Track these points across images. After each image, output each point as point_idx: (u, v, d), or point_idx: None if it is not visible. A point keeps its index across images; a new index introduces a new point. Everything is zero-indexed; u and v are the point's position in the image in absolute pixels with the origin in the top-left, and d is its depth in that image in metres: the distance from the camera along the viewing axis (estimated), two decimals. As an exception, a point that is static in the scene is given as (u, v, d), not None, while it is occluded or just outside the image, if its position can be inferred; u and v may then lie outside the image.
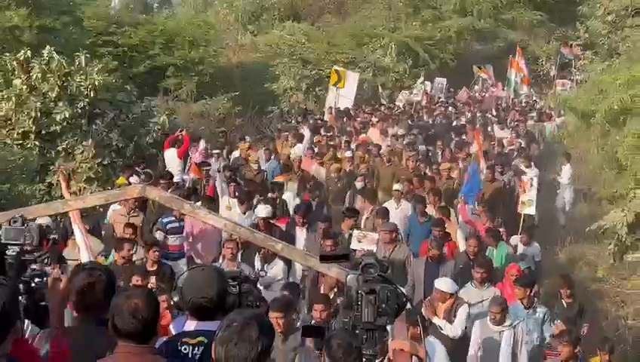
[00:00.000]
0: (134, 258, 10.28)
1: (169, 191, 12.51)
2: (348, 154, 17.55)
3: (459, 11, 41.10)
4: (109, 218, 12.55)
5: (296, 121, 24.81)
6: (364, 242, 10.94)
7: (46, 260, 4.94)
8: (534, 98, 33.71)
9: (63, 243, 10.09)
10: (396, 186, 14.15)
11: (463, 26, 39.68)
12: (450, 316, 9.21)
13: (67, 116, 16.57)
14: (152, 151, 18.45)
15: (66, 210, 7.26)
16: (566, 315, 9.42)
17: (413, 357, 5.53)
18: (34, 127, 16.37)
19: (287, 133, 21.01)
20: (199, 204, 10.66)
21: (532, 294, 9.64)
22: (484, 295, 9.80)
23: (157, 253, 10.14)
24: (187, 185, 15.24)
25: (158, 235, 11.67)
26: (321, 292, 9.46)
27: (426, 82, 33.26)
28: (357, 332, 3.94)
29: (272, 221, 12.02)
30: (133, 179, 13.97)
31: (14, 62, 16.99)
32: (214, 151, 17.77)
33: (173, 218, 11.92)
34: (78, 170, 16.31)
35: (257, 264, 10.62)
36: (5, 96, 16.49)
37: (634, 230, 10.99)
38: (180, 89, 26.51)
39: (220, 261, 10.57)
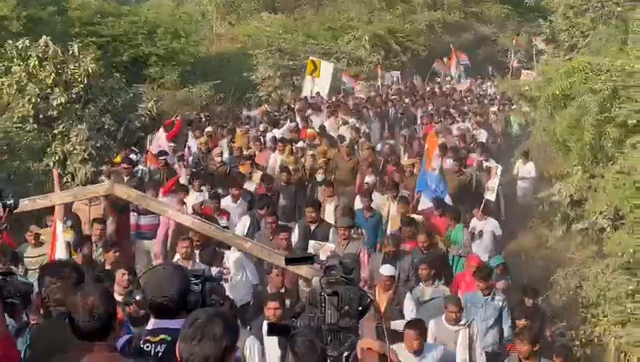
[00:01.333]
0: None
1: (127, 178, 13.69)
2: (300, 145, 17.66)
3: (429, 5, 42.57)
4: (73, 207, 11.88)
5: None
6: (321, 253, 10.21)
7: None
8: (493, 90, 35.12)
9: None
10: (367, 179, 14.59)
11: (434, 19, 41.16)
12: (391, 306, 9.33)
13: (63, 101, 17.89)
14: (141, 135, 19.72)
15: (34, 207, 7.34)
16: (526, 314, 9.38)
17: (381, 355, 5.57)
18: (32, 112, 17.66)
19: (247, 126, 21.18)
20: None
21: (490, 285, 9.67)
22: (434, 293, 9.86)
23: (117, 253, 9.80)
24: (140, 175, 14.90)
25: (132, 216, 11.96)
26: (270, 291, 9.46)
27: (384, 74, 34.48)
28: (321, 332, 4.05)
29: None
30: (133, 156, 15.30)
31: (13, 51, 18.25)
32: (170, 144, 16.92)
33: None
34: (73, 152, 17.60)
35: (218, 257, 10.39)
36: (6, 83, 17.72)
37: (576, 203, 12.47)
38: (162, 78, 27.70)
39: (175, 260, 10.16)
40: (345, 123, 21.28)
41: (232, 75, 29.70)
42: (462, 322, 8.84)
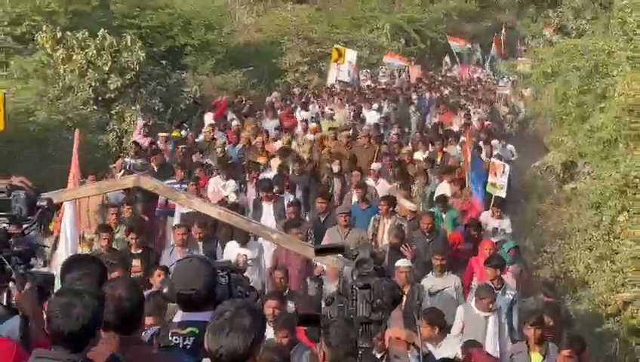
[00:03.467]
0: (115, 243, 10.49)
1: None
2: (309, 137, 17.57)
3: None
4: None
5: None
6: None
7: (35, 231, 4.58)
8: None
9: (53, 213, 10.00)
10: (374, 166, 14.47)
11: (451, 8, 43.20)
12: (413, 301, 9.23)
13: (119, 86, 20.38)
14: (185, 116, 22.09)
15: (59, 200, 7.12)
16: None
17: (410, 345, 5.57)
18: (93, 95, 20.08)
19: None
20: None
21: (502, 275, 9.57)
22: (445, 283, 9.84)
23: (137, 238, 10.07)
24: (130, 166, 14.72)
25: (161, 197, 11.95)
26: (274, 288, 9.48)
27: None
28: (352, 323, 3.99)
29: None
30: (184, 132, 17.64)
31: (73, 41, 20.66)
32: (161, 135, 17.31)
33: (173, 180, 12.99)
34: (128, 130, 20.01)
35: (219, 251, 10.63)
36: (69, 69, 20.16)
37: (567, 167, 14.60)
38: (197, 66, 30.01)
39: (170, 247, 10.51)
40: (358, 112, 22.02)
41: (262, 63, 31.90)
42: (492, 309, 8.83)
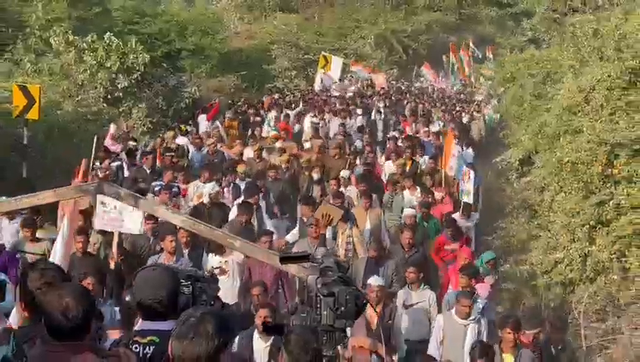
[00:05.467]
0: (98, 246, 10.47)
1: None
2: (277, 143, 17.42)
3: (428, 7, 46.92)
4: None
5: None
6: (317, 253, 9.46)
7: None
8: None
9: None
10: (343, 173, 14.50)
11: (432, 20, 45.54)
12: (382, 324, 9.04)
13: (126, 85, 22.41)
14: (185, 113, 24.13)
15: (19, 206, 7.05)
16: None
17: (373, 354, 5.63)
18: (102, 93, 22.12)
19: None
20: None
21: (474, 283, 9.59)
22: (420, 297, 9.77)
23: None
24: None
25: (149, 197, 12.04)
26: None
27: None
28: (316, 331, 3.93)
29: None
30: (190, 126, 19.69)
31: (84, 44, 22.69)
32: (132, 144, 17.23)
33: (161, 182, 13.38)
34: (134, 126, 22.04)
35: (207, 258, 10.52)
36: (81, 69, 22.18)
37: (523, 162, 16.63)
38: (193, 70, 32.05)
39: (158, 256, 10.24)
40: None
41: (253, 68, 34.01)
42: (472, 317, 8.84)
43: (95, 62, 22.33)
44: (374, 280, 9.18)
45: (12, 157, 15.96)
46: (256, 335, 7.59)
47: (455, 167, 14.75)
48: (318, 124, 21.08)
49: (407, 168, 15.59)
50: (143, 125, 22.05)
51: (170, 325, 3.82)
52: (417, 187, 13.85)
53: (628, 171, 10.84)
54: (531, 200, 13.88)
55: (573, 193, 11.57)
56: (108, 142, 16.89)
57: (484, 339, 8.58)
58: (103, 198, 8.57)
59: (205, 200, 12.51)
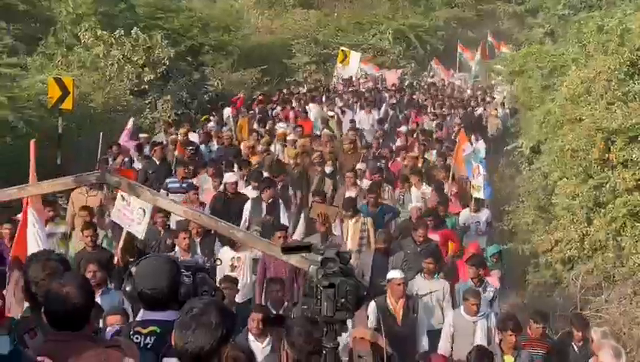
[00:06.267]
0: (101, 241, 10.43)
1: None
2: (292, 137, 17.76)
3: (446, 2, 47.58)
4: (71, 196, 12.22)
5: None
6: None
7: None
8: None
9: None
10: (359, 166, 14.84)
11: (450, 16, 46.20)
12: (408, 316, 9.16)
13: (151, 78, 23.38)
14: (208, 107, 25.07)
15: (21, 195, 7.09)
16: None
17: (373, 344, 5.59)
18: (129, 86, 23.09)
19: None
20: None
21: (482, 273, 9.81)
22: (433, 286, 9.79)
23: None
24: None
25: (162, 194, 11.77)
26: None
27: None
28: (316, 323, 3.98)
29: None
30: (213, 118, 20.55)
31: (111, 39, 23.66)
32: (142, 136, 17.89)
33: (175, 178, 13.61)
34: (160, 118, 22.99)
35: (217, 250, 10.56)
36: (108, 63, 23.16)
37: (534, 149, 17.36)
38: (215, 65, 32.98)
39: (173, 253, 10.10)
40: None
41: (274, 62, 34.91)
42: (480, 313, 8.95)
43: (122, 56, 23.31)
44: (396, 274, 9.14)
45: (47, 145, 16.90)
46: (250, 337, 7.58)
47: (465, 165, 15.00)
48: (334, 116, 21.44)
49: (420, 164, 15.90)
50: (168, 117, 22.94)
51: (171, 315, 3.91)
52: (423, 183, 14.07)
53: (624, 156, 11.60)
54: (537, 185, 14.67)
55: (573, 178, 12.37)
56: (124, 138, 17.08)
57: (495, 336, 8.80)
58: (123, 193, 9.06)
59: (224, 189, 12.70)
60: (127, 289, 4.37)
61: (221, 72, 30.07)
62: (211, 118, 21.08)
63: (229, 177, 12.94)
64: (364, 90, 29.98)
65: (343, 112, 23.11)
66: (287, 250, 4.58)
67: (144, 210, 9.48)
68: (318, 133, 19.21)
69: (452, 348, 9.03)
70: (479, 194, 13.58)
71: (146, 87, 23.37)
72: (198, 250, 10.40)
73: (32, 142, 8.25)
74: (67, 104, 16.54)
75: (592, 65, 13.55)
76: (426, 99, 29.19)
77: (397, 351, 7.10)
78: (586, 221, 12.03)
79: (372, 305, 8.86)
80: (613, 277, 11.40)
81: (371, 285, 9.76)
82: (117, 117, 20.47)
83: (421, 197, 13.63)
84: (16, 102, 16.61)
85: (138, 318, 4.29)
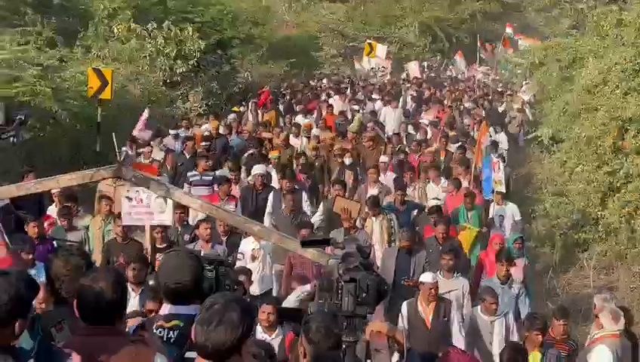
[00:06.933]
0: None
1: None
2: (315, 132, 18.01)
3: (472, -4, 47.97)
4: (99, 186, 12.08)
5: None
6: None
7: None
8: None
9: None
10: (382, 159, 14.86)
11: (475, 9, 46.54)
12: (438, 319, 8.79)
13: (183, 71, 24.16)
14: (237, 98, 25.84)
15: (39, 190, 7.06)
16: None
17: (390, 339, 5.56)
18: (162, 78, 23.91)
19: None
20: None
21: (509, 270, 9.67)
22: (453, 285, 9.56)
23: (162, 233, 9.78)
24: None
25: (185, 188, 12.41)
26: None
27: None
28: (335, 317, 3.94)
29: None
30: (243, 108, 21.29)
31: (144, 32, 24.47)
32: (172, 131, 18.11)
33: (195, 172, 13.54)
34: (192, 108, 23.81)
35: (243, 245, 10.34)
36: (142, 56, 23.99)
37: (553, 138, 17.94)
38: (244, 57, 33.76)
39: (194, 244, 10.12)
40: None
41: (302, 55, 35.66)
42: (498, 313, 8.84)
43: (154, 49, 24.12)
44: (428, 278, 8.80)
45: (87, 134, 17.75)
46: (259, 329, 7.49)
47: (482, 158, 14.79)
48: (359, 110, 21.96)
49: (442, 157, 15.96)
50: (199, 108, 23.75)
51: (193, 309, 3.87)
52: (441, 178, 13.98)
53: (637, 144, 12.19)
54: (555, 171, 15.31)
55: (589, 164, 12.98)
56: (140, 127, 17.08)
57: (515, 334, 8.74)
58: (127, 194, 9.16)
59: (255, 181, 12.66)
60: (151, 283, 4.63)
61: (250, 64, 30.87)
62: (241, 108, 21.79)
63: (256, 169, 12.92)
64: (385, 82, 30.56)
65: (364, 105, 23.58)
66: (306, 243, 4.60)
67: (165, 197, 8.87)
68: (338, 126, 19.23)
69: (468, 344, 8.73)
70: (502, 188, 13.31)
71: (178, 78, 24.14)
72: (223, 243, 10.30)
73: None
74: (106, 94, 17.29)
75: (609, 56, 14.11)
76: (446, 92, 29.33)
77: (425, 354, 7.17)
78: (601, 205, 12.66)
79: (403, 306, 8.83)
80: (626, 257, 12.01)
81: (394, 283, 9.67)
82: (151, 107, 21.24)
83: (441, 191, 13.55)
84: (58, 93, 17.40)
85: (162, 312, 4.27)
